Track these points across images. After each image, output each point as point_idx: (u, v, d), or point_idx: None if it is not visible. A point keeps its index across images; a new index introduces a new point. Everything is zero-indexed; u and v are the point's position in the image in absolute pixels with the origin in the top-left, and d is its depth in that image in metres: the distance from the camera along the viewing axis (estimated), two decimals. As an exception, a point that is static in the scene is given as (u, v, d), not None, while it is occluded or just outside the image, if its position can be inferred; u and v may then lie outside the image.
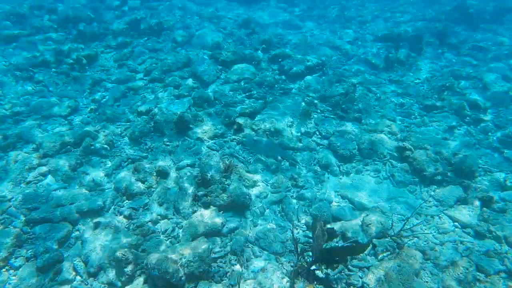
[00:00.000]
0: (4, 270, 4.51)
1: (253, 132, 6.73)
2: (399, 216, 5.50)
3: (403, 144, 6.46)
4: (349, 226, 5.14)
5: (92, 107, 7.68)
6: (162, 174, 5.87)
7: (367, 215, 5.21)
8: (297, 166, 6.29)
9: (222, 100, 7.71)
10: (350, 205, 5.74)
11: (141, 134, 6.77)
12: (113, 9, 12.34)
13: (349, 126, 7.12)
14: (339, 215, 5.46)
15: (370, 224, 5.05)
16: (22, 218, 5.12)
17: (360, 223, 5.16)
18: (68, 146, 6.40)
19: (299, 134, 6.93)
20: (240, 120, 6.86)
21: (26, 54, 9.52)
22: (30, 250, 4.65)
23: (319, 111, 7.49)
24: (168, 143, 6.64)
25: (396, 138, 6.88)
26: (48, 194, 5.51)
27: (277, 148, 6.30)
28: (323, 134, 6.91)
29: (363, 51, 10.05)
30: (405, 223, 5.01)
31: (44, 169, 5.95)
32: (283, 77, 8.71)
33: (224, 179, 5.72)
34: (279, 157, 6.31)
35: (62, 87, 8.37)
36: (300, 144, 6.66)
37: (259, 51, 9.77)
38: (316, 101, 7.74)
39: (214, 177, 5.64)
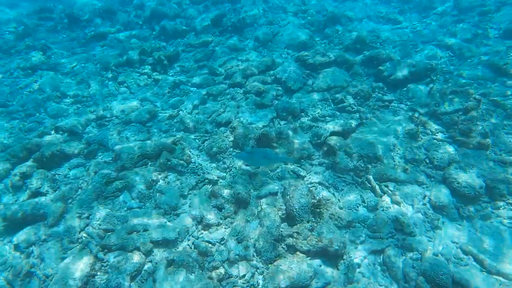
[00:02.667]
0: (76, 302, 4.26)
1: (346, 157, 5.68)
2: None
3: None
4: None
5: (170, 113, 7.31)
6: (242, 202, 5.19)
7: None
8: (401, 205, 5.13)
9: (309, 113, 6.75)
10: (477, 264, 4.45)
11: (220, 150, 6.16)
12: (197, 3, 11.97)
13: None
14: (462, 279, 4.22)
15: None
16: (98, 240, 4.86)
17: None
18: (145, 159, 6.07)
19: (402, 161, 5.70)
20: (332, 141, 5.85)
21: (112, 52, 9.57)
22: (104, 283, 4.33)
23: (429, 131, 6.11)
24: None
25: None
26: (124, 214, 5.19)
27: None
28: (436, 163, 5.58)
29: (485, 51, 8.15)
30: None
31: (120, 184, 5.67)
32: (381, 84, 7.39)
33: (313, 216, 4.85)
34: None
35: (143, 89, 8.17)
36: (405, 175, 5.45)
37: (351, 52, 8.52)
38: (424, 118, 6.35)
39: (301, 214, 4.80)
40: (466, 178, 5.14)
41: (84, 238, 4.95)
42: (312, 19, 10.16)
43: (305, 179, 5.59)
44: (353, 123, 6.32)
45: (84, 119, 7.16)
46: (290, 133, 6.23)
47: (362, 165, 5.54)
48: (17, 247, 4.98)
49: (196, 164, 6.09)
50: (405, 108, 6.67)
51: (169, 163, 5.92)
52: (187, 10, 11.57)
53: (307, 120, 6.63)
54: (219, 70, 8.47)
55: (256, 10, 10.92)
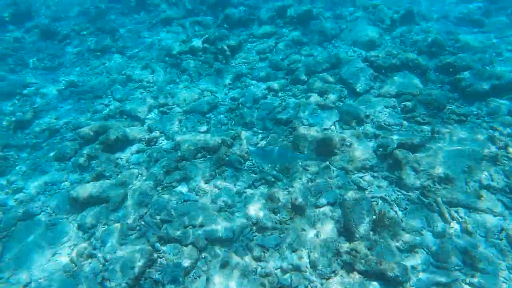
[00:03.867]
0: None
1: (414, 173, 5.30)
2: None
3: None
4: None
5: (230, 106, 7.28)
6: (298, 209, 5.05)
7: None
8: (473, 236, 4.70)
9: (375, 120, 6.38)
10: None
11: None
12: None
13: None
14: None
15: None
16: (156, 229, 4.99)
17: None
18: (204, 152, 6.11)
19: (477, 185, 5.20)
20: (398, 154, 5.48)
21: (176, 38, 9.70)
22: (159, 274, 4.44)
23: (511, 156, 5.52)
24: (307, 167, 5.75)
25: None
26: (181, 206, 5.27)
27: None
28: (518, 192, 5.03)
29: None
30: None
31: (179, 175, 5.77)
32: (457, 95, 6.78)
33: (373, 234, 4.60)
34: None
35: (205, 78, 8.20)
36: (479, 202, 4.97)
37: (425, 55, 7.89)
38: (507, 140, 5.73)
39: (360, 229, 4.57)
40: (554, 214, 4.59)
41: (142, 225, 5.11)
42: (383, 16, 9.54)
43: (367, 192, 5.31)
44: (423, 136, 5.87)
45: (148, 105, 7.35)
46: (353, 140, 5.93)
47: (431, 185, 5.14)
48: (80, 227, 5.27)
49: (253, 162, 6.02)
50: (484, 126, 6.06)
51: (227, 158, 5.91)
52: (251, -3, 11.40)
53: (372, 127, 6.27)
54: (281, 64, 8.27)
55: (323, 2, 10.48)
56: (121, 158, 6.34)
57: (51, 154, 6.63)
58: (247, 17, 10.10)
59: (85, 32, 10.09)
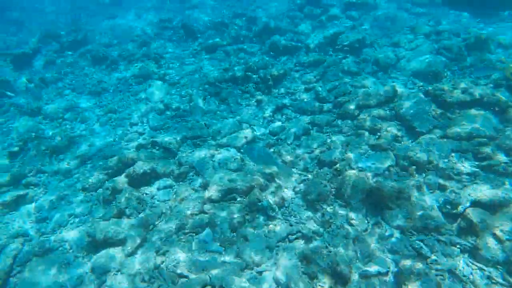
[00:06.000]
0: None
1: (496, 243, 4.10)
2: None
3: None
4: None
5: (269, 141, 6.57)
6: (340, 277, 4.08)
7: None
8: None
9: (440, 166, 5.27)
10: None
11: (319, 197, 5.14)
12: (311, 17, 11.18)
13: None
14: None
15: None
16: None
17: None
18: (234, 194, 5.40)
19: None
20: (473, 216, 4.32)
21: (219, 66, 9.35)
22: None
23: None
24: (353, 219, 4.79)
25: None
26: (202, 260, 4.55)
27: None
28: None
29: None
30: None
31: (204, 219, 5.09)
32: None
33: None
34: None
35: (244, 109, 7.63)
36: None
37: (504, 89, 6.62)
38: None
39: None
40: None
41: (156, 277, 4.46)
42: (449, 43, 8.38)
43: (429, 261, 4.20)
44: (507, 191, 4.65)
45: (181, 136, 6.89)
46: (413, 192, 4.87)
47: (521, 260, 3.92)
48: (93, 270, 4.76)
49: (289, 210, 5.19)
50: None
51: (259, 203, 5.13)
52: (299, 25, 10.87)
53: (436, 176, 5.16)
54: (328, 96, 7.46)
55: (377, 29, 9.60)
56: (146, 193, 5.84)
57: (79, 183, 6.35)
58: (294, 44, 9.52)
59: (131, 58, 10.13)
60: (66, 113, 8.42)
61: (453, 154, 5.45)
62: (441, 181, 5.06)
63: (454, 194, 4.71)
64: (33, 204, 6.12)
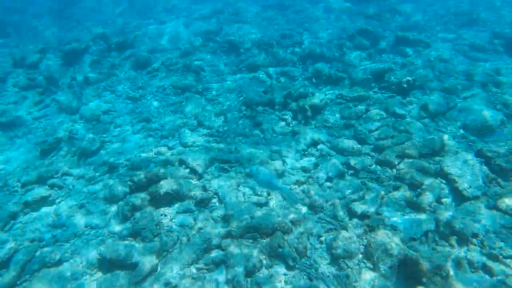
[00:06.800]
0: None
1: None
2: None
3: None
4: None
5: (299, 179, 6.21)
6: None
7: None
8: None
9: (486, 243, 4.69)
10: None
11: (345, 254, 4.72)
12: (360, 48, 10.77)
13: None
14: None
15: None
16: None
17: None
18: (255, 233, 5.08)
19: None
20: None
21: (257, 87, 9.14)
22: None
23: None
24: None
25: None
26: (210, 303, 4.26)
27: None
28: None
29: None
30: None
31: (219, 257, 4.80)
32: None
33: None
34: None
35: (277, 138, 7.34)
36: None
37: None
38: None
39: None
40: None
41: (161, 314, 4.20)
42: (508, 98, 7.73)
43: None
44: None
45: (209, 158, 6.68)
46: (451, 267, 4.34)
47: None
48: (98, 293, 4.59)
49: (311, 262, 4.79)
50: None
51: (280, 250, 4.78)
52: (347, 54, 10.49)
53: (480, 254, 4.59)
54: (368, 137, 7.02)
55: (429, 70, 9.05)
56: (165, 215, 5.64)
57: (101, 192, 6.28)
58: (338, 75, 9.15)
59: (172, 68, 10.15)
60: (102, 116, 8.47)
61: (503, 229, 4.85)
62: (485, 260, 4.48)
63: (501, 279, 4.14)
64: (53, 207, 6.09)
